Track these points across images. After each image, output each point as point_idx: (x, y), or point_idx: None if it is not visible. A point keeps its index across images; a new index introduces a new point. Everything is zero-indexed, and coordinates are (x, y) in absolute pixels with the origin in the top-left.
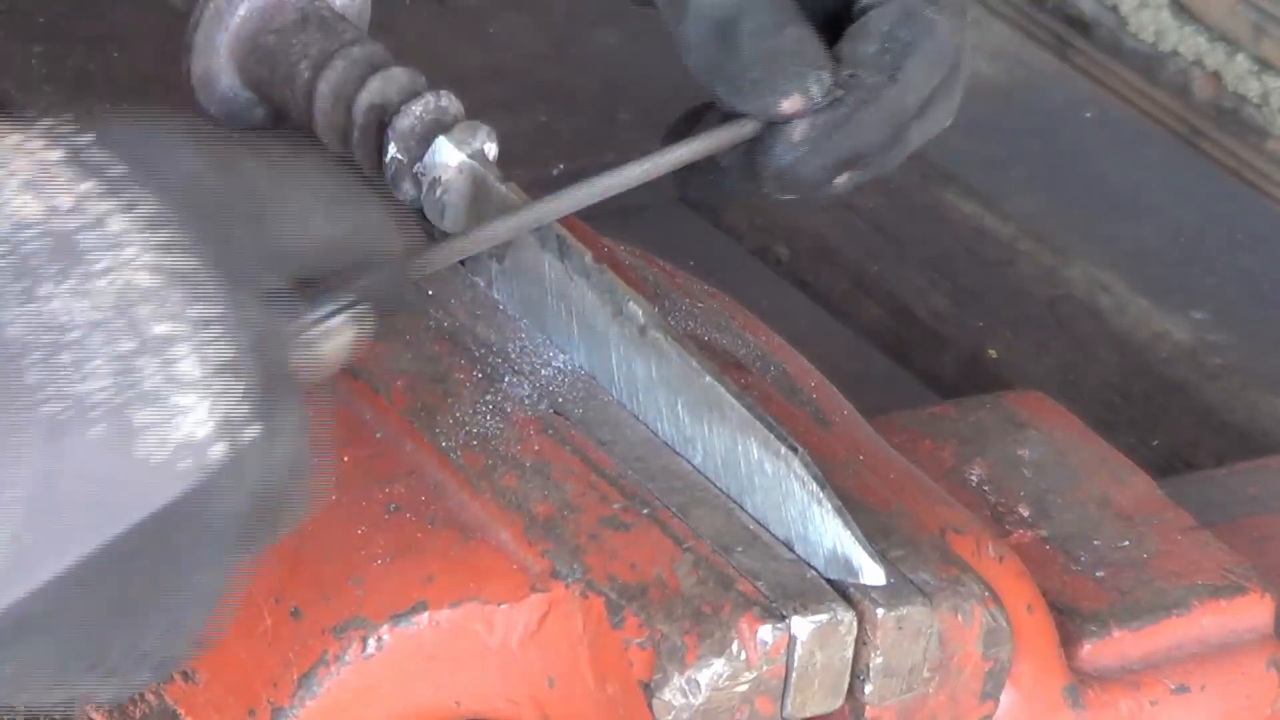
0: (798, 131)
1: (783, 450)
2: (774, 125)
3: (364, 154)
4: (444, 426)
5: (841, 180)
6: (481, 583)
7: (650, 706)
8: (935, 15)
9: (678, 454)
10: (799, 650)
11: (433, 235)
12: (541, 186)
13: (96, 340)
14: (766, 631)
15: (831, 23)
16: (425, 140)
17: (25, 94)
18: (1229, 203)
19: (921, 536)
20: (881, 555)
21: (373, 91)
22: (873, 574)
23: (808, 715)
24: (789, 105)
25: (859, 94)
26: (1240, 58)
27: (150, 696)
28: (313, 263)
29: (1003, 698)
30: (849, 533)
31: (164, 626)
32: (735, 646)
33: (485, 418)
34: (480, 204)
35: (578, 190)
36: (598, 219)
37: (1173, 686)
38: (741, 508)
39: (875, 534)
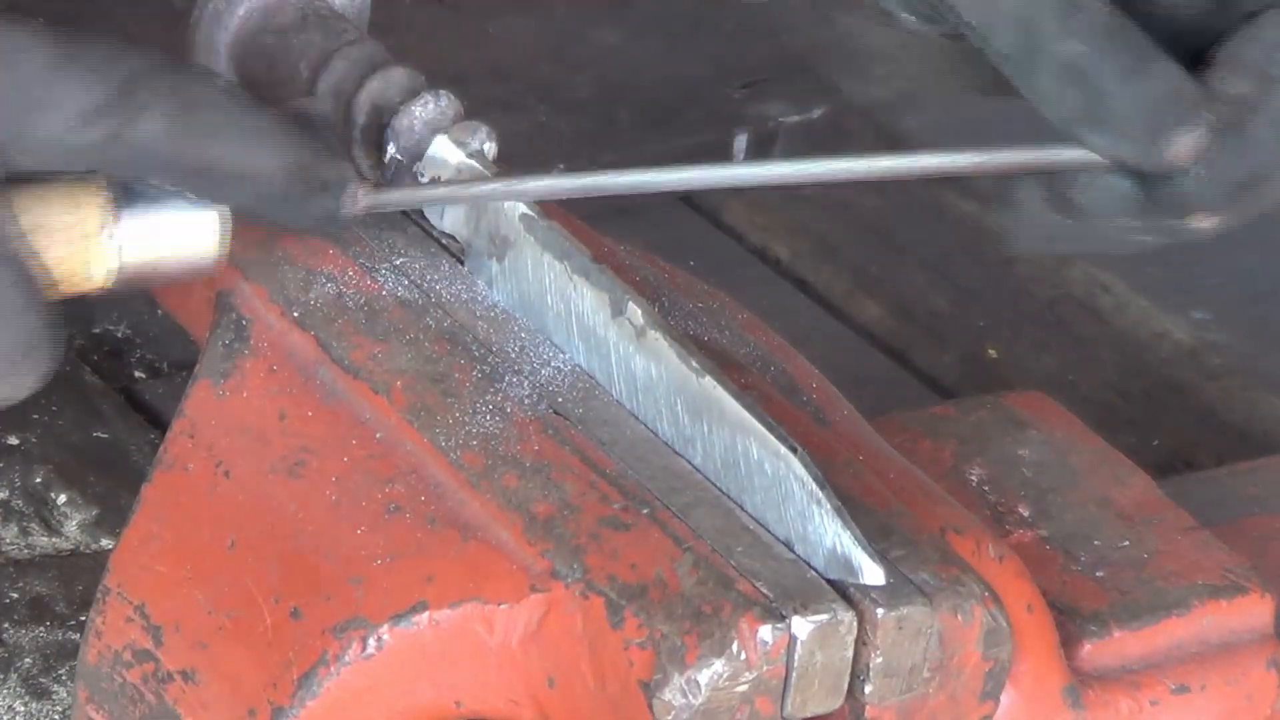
0: (1184, 158)
1: (782, 450)
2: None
3: (364, 153)
4: (444, 426)
5: (1199, 219)
6: (481, 583)
7: (650, 706)
8: None
9: (678, 454)
10: (799, 650)
11: (432, 235)
12: None
13: None
14: (766, 631)
15: (1186, 42)
16: (425, 140)
17: None
18: None
19: (921, 536)
20: (881, 555)
21: (372, 91)
22: (873, 574)
23: (808, 715)
24: (1178, 151)
25: (1245, 108)
26: None
27: (150, 696)
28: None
29: (1003, 698)
30: (849, 533)
31: None
32: (735, 646)
33: (485, 418)
34: (479, 204)
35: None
36: (598, 219)
37: (1173, 686)
38: (741, 508)
39: (875, 534)
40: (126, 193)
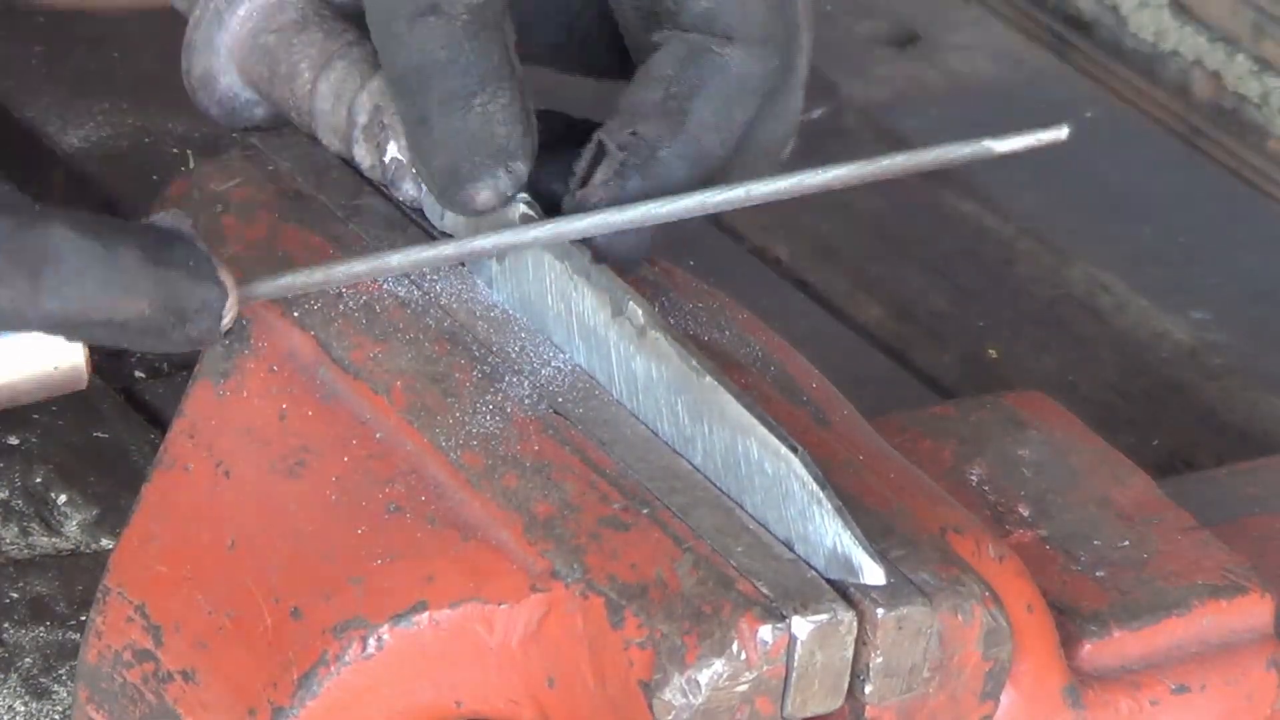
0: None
1: (783, 450)
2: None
3: (364, 154)
4: (444, 426)
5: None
6: (481, 583)
7: (650, 706)
8: (725, 50)
9: (678, 454)
10: (799, 650)
11: (431, 234)
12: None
13: None
14: (766, 631)
15: (620, 65)
16: None
17: (25, 94)
18: (1229, 203)
19: (921, 536)
20: (881, 555)
21: (373, 91)
22: (873, 574)
23: (808, 715)
24: (482, 199)
25: (642, 153)
26: (1240, 58)
27: (150, 696)
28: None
29: (1003, 698)
30: (849, 532)
31: None
32: (735, 646)
33: (485, 418)
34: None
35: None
36: None
37: (1173, 686)
38: (741, 507)
39: (875, 534)
40: None
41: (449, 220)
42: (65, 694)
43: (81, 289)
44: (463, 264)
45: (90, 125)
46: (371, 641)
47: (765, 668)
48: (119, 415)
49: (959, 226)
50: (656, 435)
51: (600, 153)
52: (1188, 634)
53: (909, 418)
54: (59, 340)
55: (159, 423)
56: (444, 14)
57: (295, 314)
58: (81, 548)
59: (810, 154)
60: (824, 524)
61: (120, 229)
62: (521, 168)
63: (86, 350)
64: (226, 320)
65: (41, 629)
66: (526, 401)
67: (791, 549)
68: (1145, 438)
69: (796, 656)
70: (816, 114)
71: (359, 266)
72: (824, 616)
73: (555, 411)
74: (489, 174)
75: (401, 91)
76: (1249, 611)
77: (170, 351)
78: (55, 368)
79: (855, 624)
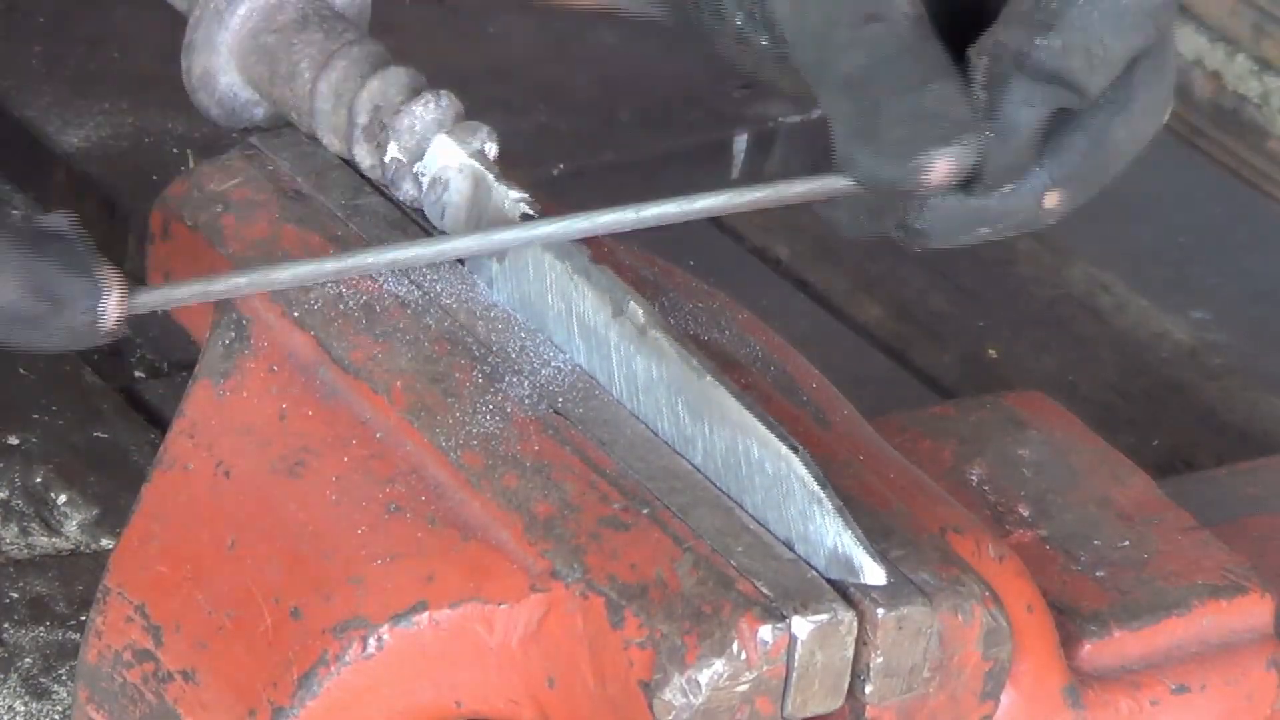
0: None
1: (783, 450)
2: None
3: (364, 153)
4: (444, 426)
5: (1049, 201)
6: (481, 583)
7: (650, 706)
8: None
9: (678, 454)
10: (799, 650)
11: (431, 235)
12: (542, 186)
13: None
14: (767, 631)
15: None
16: (425, 140)
17: (25, 94)
18: (1229, 203)
19: (921, 536)
20: (882, 555)
21: (373, 91)
22: (873, 574)
23: (808, 715)
24: (938, 172)
25: (1003, 71)
26: (1240, 58)
27: (150, 696)
28: None
29: (1003, 698)
30: (849, 533)
31: None
32: (735, 646)
33: (485, 418)
34: (480, 204)
35: (611, 214)
36: None
37: (1173, 686)
38: (742, 507)
39: (875, 534)
40: None
41: (449, 220)
42: (65, 694)
43: None
44: (461, 262)
45: (90, 125)
46: (371, 641)
47: (765, 668)
48: (119, 415)
49: None
50: (656, 435)
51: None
52: (1188, 634)
53: (909, 418)
54: None
55: (159, 423)
56: (886, 19)
57: (295, 314)
58: (81, 548)
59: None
60: (824, 524)
61: (3, 223)
62: (976, 143)
63: None
64: (110, 316)
65: (41, 629)
66: (526, 401)
67: (792, 549)
68: (1145, 438)
69: (796, 656)
70: (817, 114)
71: (243, 278)
72: (824, 616)
73: (555, 411)
74: (946, 145)
75: (847, 90)
76: (1249, 611)
77: (51, 349)
78: None
79: (855, 624)
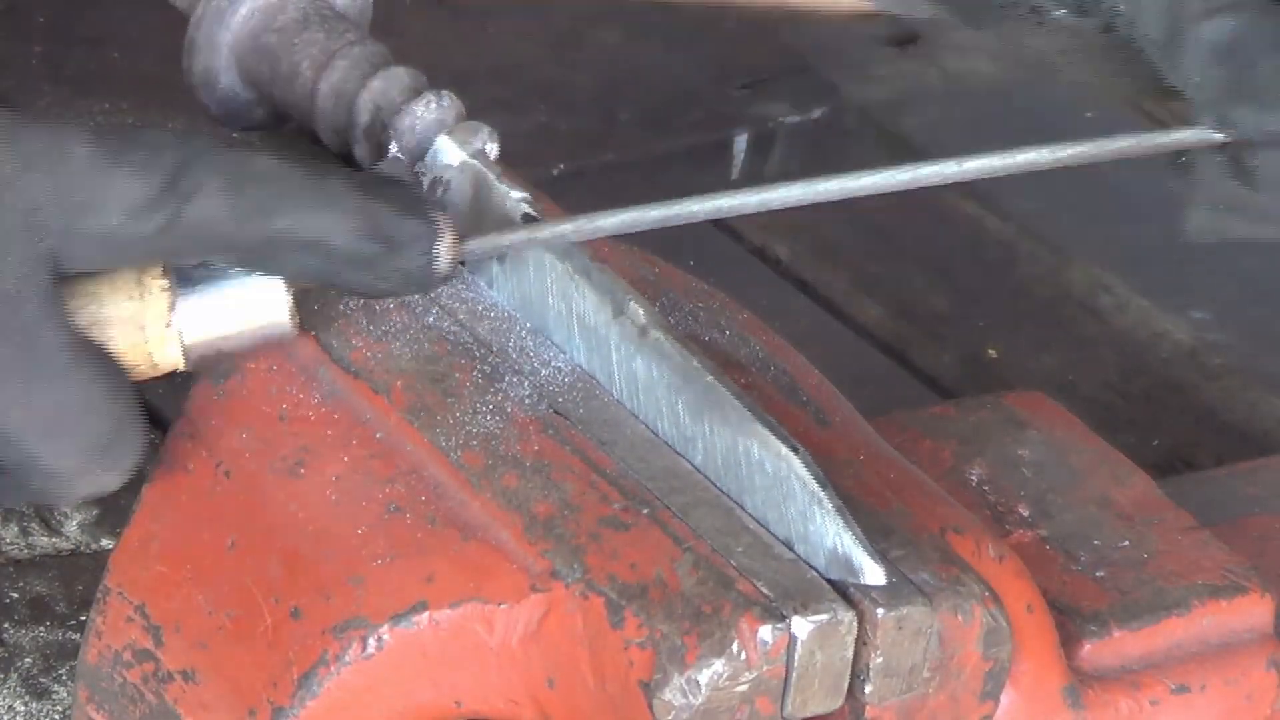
0: None
1: (783, 450)
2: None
3: (365, 153)
4: (444, 426)
5: None
6: (481, 583)
7: (650, 706)
8: None
9: (678, 454)
10: (799, 650)
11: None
12: (542, 186)
13: None
14: (767, 631)
15: None
16: (426, 140)
17: (25, 94)
18: None
19: (921, 536)
20: (882, 555)
21: (374, 91)
22: (873, 574)
23: (808, 715)
24: None
25: None
26: None
27: (150, 696)
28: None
29: (1003, 698)
30: (849, 533)
31: None
32: (735, 646)
33: (485, 418)
34: (481, 203)
35: (824, 183)
36: None
37: (1173, 686)
38: (742, 507)
39: (875, 534)
40: (185, 277)
41: None
42: (65, 694)
43: (288, 207)
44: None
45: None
46: (371, 641)
47: (765, 668)
48: None
49: (959, 226)
50: (657, 435)
51: None
52: (1188, 634)
53: (909, 418)
54: (263, 290)
55: (159, 423)
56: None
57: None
58: (81, 548)
59: (810, 153)
60: (824, 524)
61: (329, 166)
62: None
63: (291, 299)
64: (443, 261)
65: (41, 629)
66: (526, 401)
67: (792, 549)
68: (1145, 438)
69: (796, 656)
70: (817, 114)
71: (570, 225)
72: (824, 616)
73: (555, 411)
74: None
75: (1217, 58)
76: (1249, 611)
77: (385, 293)
78: (263, 317)
79: (855, 624)
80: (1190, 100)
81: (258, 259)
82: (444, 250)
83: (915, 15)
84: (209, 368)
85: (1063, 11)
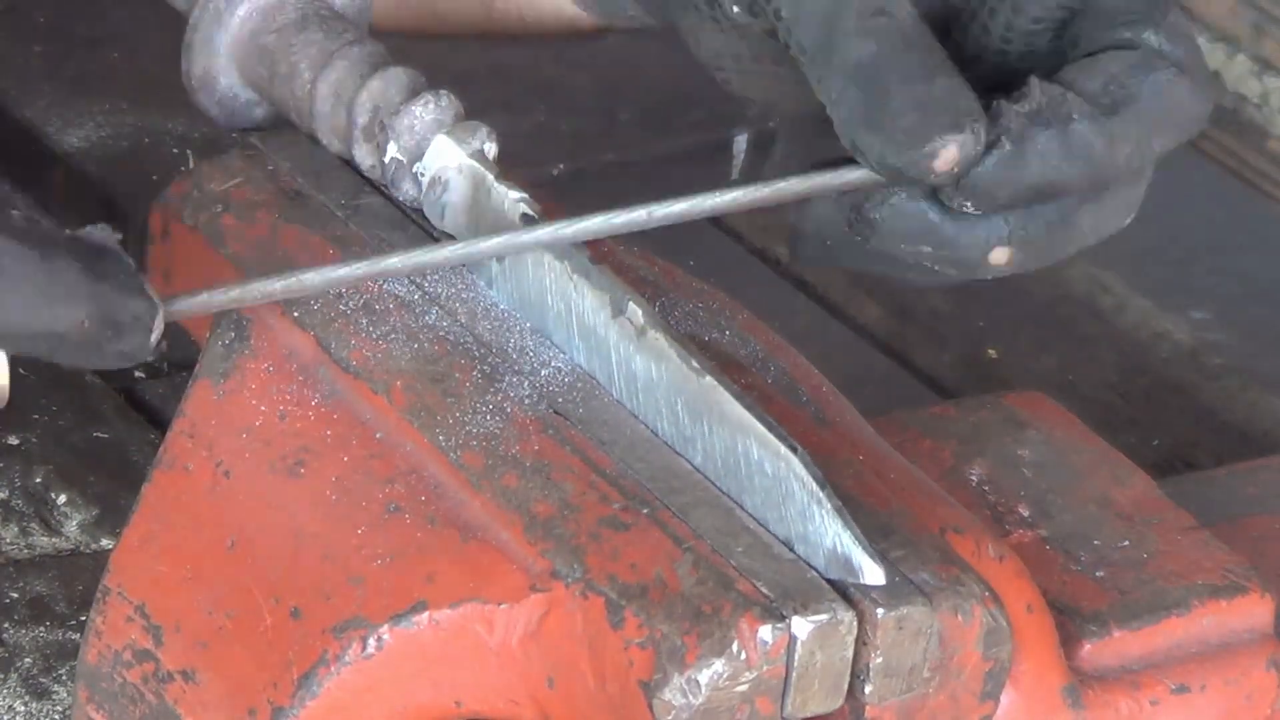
0: (944, 165)
1: (783, 450)
2: (910, 175)
3: (364, 154)
4: (444, 426)
5: (997, 255)
6: (481, 583)
7: (650, 706)
8: (1178, 80)
9: (678, 454)
10: (799, 650)
11: (432, 235)
12: (542, 186)
13: None
14: (766, 631)
15: (1004, 83)
16: (425, 140)
17: (25, 94)
18: (1229, 203)
19: (921, 536)
20: (882, 555)
21: (373, 91)
22: (873, 574)
23: (808, 715)
24: (945, 158)
25: (1060, 112)
26: (1240, 58)
27: (150, 696)
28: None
29: (1003, 698)
30: (849, 532)
31: None
32: (735, 646)
33: (485, 418)
34: (480, 204)
35: (625, 214)
36: None
37: (1173, 686)
38: (741, 507)
39: (875, 534)
40: None
41: (449, 220)
42: (65, 694)
43: (22, 299)
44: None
45: (90, 125)
46: (371, 641)
47: (765, 668)
48: (119, 415)
49: None
50: (656, 435)
51: (1022, 94)
52: (1188, 634)
53: (909, 418)
54: None
55: (159, 423)
56: (892, 15)
57: (295, 314)
58: (81, 548)
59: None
60: (824, 524)
61: (54, 239)
62: (982, 132)
63: (6, 365)
64: (155, 335)
65: (41, 629)
66: (526, 401)
67: (791, 549)
68: (1145, 438)
69: (796, 656)
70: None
71: (339, 272)
72: (824, 616)
73: (555, 411)
74: (955, 132)
75: (857, 78)
76: (1249, 611)
77: (98, 368)
78: None
79: (855, 624)
80: (832, 121)
81: None
82: (158, 323)
83: (621, 22)
84: None
85: (737, 10)
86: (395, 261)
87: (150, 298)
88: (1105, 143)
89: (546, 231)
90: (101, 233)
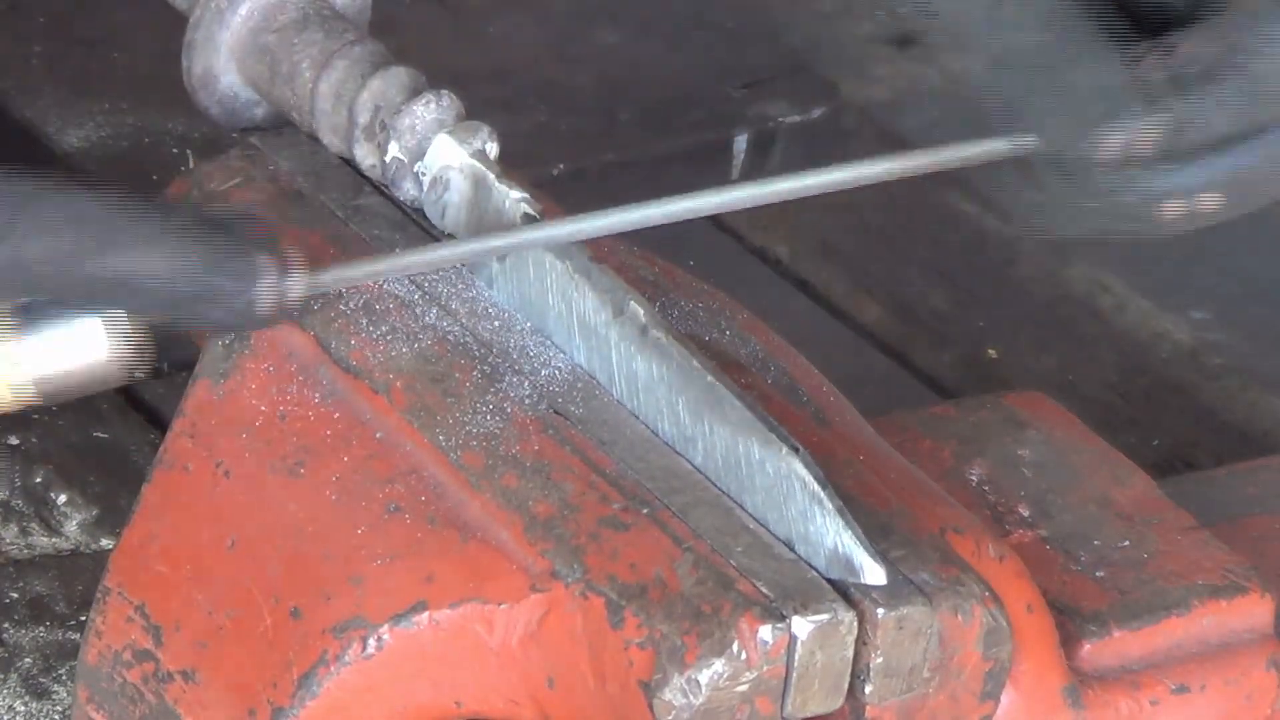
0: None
1: (783, 450)
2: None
3: (365, 153)
4: (444, 426)
5: (1207, 200)
6: (481, 583)
7: (650, 706)
8: None
9: (678, 454)
10: (799, 650)
11: (433, 235)
12: (542, 186)
13: None
14: (767, 631)
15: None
16: (426, 140)
17: (25, 94)
18: None
19: (921, 536)
20: (882, 555)
21: (374, 91)
22: (873, 574)
23: (808, 715)
24: (1106, 148)
25: (1224, 66)
26: None
27: (150, 696)
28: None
29: (1003, 698)
30: (850, 532)
31: None
32: (735, 646)
33: (485, 418)
34: (480, 203)
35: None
36: None
37: (1173, 686)
38: (742, 507)
39: (875, 534)
40: (29, 311)
41: (449, 220)
42: (65, 694)
43: (113, 251)
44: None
45: (90, 125)
46: (371, 641)
47: (765, 668)
48: (119, 415)
49: (959, 226)
50: (657, 435)
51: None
52: (1188, 634)
53: (909, 418)
54: (91, 324)
55: (159, 423)
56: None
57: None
58: (81, 548)
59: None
60: (825, 524)
61: (155, 204)
62: (1160, 122)
63: (118, 338)
64: (264, 302)
65: (41, 629)
66: (526, 401)
67: (792, 549)
68: (1145, 438)
69: (796, 656)
70: (816, 114)
71: (437, 253)
72: (824, 616)
73: (555, 411)
74: (1111, 118)
75: (999, 67)
76: (1249, 611)
77: (228, 327)
78: (88, 355)
79: (855, 624)
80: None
81: (93, 298)
82: (293, 283)
83: None
84: (62, 400)
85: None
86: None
87: (281, 255)
88: (1230, 100)
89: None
90: (230, 206)
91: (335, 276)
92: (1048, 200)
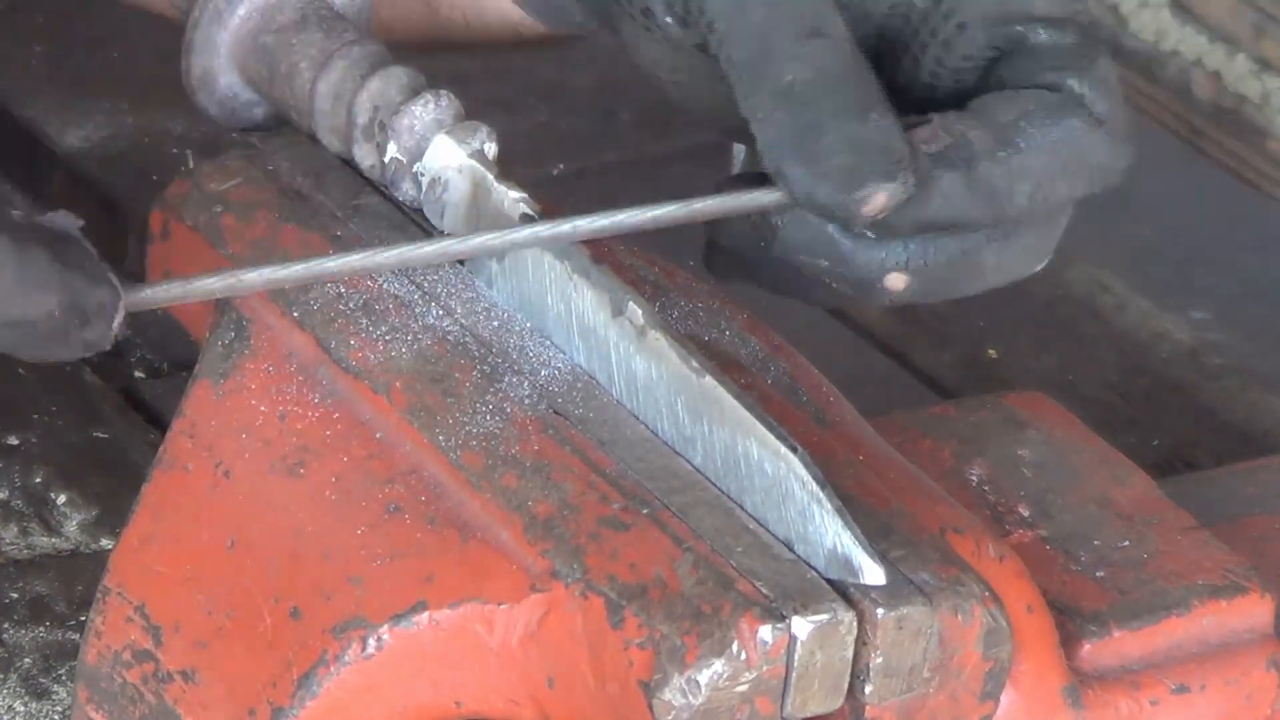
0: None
1: (783, 450)
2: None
3: (364, 153)
4: (444, 426)
5: (893, 280)
6: (481, 583)
7: (650, 706)
8: (1092, 126)
9: (678, 454)
10: (799, 650)
11: (432, 235)
12: (542, 186)
13: None
14: (766, 631)
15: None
16: (425, 140)
17: (25, 94)
18: (1229, 203)
19: (921, 536)
20: (882, 555)
21: (373, 91)
22: (873, 574)
23: (808, 715)
24: (874, 204)
25: (963, 153)
26: (1240, 58)
27: (150, 696)
28: None
29: (1003, 698)
30: (849, 533)
31: None
32: (735, 646)
33: (485, 418)
34: (480, 204)
35: (624, 214)
36: None
37: (1173, 686)
38: (741, 507)
39: (875, 534)
40: None
41: (449, 220)
42: (65, 694)
43: None
44: (461, 262)
45: (90, 125)
46: (371, 641)
47: (765, 668)
48: (119, 415)
49: None
50: (656, 435)
51: (923, 123)
52: (1188, 634)
53: (909, 418)
54: None
55: (159, 423)
56: (829, 38)
57: (295, 314)
58: (81, 548)
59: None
60: (824, 524)
61: (24, 228)
62: (912, 180)
63: None
64: (117, 324)
65: (41, 629)
66: (526, 401)
67: (791, 549)
68: (1145, 438)
69: (796, 656)
70: None
71: (330, 264)
72: (824, 616)
73: (555, 411)
74: (887, 178)
75: (788, 101)
76: (1249, 611)
77: (61, 359)
78: None
79: (855, 624)
80: (756, 142)
81: None
82: (119, 311)
83: (567, 29)
84: None
85: (670, 20)
86: (386, 256)
87: (114, 285)
88: (1007, 181)
89: (546, 231)
90: (63, 219)
91: (158, 292)
92: (776, 254)
